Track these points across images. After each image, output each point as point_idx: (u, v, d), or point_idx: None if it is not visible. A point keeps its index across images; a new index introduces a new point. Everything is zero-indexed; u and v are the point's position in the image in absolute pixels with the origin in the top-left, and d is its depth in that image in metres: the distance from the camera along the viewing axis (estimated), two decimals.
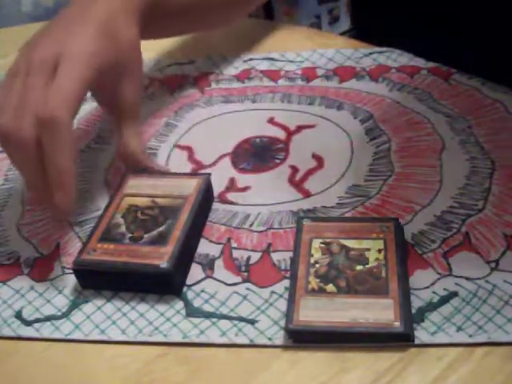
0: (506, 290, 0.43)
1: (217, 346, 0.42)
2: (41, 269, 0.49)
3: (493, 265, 0.44)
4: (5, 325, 0.46)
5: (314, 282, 0.43)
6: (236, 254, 0.48)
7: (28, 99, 0.47)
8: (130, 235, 0.48)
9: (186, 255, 0.47)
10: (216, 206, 0.53)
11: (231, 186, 0.54)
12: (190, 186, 0.51)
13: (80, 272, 0.47)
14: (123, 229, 0.48)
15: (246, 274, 0.47)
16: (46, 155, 0.46)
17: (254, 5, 0.69)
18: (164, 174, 0.55)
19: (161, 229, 0.48)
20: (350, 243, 0.46)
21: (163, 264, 0.45)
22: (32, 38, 0.52)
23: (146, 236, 0.47)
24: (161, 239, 0.47)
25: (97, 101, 0.57)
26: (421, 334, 0.41)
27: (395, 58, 0.66)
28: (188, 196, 0.50)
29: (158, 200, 0.50)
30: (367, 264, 0.44)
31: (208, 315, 0.44)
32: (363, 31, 0.80)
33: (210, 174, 0.53)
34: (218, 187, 0.54)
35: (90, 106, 0.66)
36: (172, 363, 0.42)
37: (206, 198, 0.51)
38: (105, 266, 0.46)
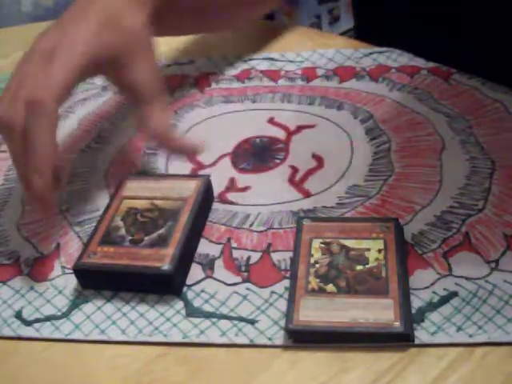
0: (506, 290, 0.43)
1: (217, 346, 0.42)
2: (41, 269, 0.49)
3: (493, 265, 0.44)
4: (5, 325, 0.46)
5: (313, 282, 0.43)
6: (236, 254, 0.48)
7: (22, 85, 0.48)
8: (130, 238, 0.48)
9: (186, 256, 0.47)
10: (216, 205, 0.53)
11: (231, 186, 0.54)
12: (190, 188, 0.51)
13: (81, 273, 0.47)
14: (123, 232, 0.48)
15: (245, 274, 0.47)
16: (26, 138, 0.47)
17: (265, 9, 0.69)
18: (163, 176, 0.55)
19: (161, 231, 0.48)
20: (350, 243, 0.46)
21: (165, 266, 0.45)
22: (44, 29, 0.53)
23: (146, 238, 0.47)
24: (161, 241, 0.47)
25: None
26: (421, 334, 0.41)
27: (395, 58, 0.66)
28: (187, 198, 0.50)
29: (158, 202, 0.50)
30: (367, 264, 0.44)
31: (208, 315, 0.44)
32: (364, 31, 0.80)
33: (209, 176, 0.52)
34: (217, 187, 0.54)
35: (90, 106, 0.66)
36: (172, 363, 0.42)
37: (205, 200, 0.51)
38: (105, 268, 0.46)
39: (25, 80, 0.49)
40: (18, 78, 0.49)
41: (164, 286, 0.46)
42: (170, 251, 0.46)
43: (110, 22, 0.51)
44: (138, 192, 0.51)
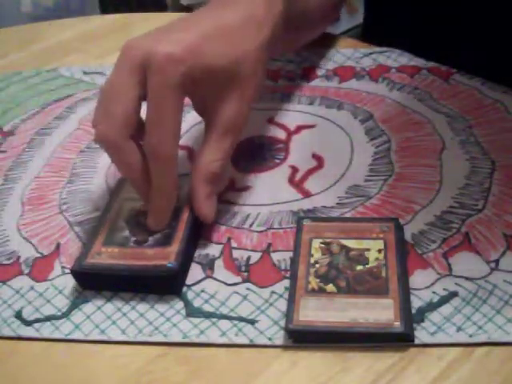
0: (506, 290, 0.43)
1: (217, 346, 0.42)
2: (41, 269, 0.49)
3: (493, 265, 0.44)
4: (5, 325, 0.46)
5: (314, 282, 0.43)
6: (236, 254, 0.48)
7: (114, 101, 0.46)
8: (134, 239, 0.48)
9: (187, 255, 0.47)
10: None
11: (231, 186, 0.54)
12: (189, 187, 0.50)
13: (84, 275, 0.47)
14: (126, 233, 0.48)
15: (245, 273, 0.47)
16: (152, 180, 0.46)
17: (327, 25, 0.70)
18: None
19: (164, 231, 0.48)
20: (350, 243, 0.46)
21: (170, 263, 0.45)
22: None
23: (150, 239, 0.47)
24: (165, 240, 0.47)
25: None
26: (421, 334, 0.41)
27: (395, 58, 0.66)
28: (187, 197, 0.50)
29: None
30: (367, 264, 0.44)
31: (208, 315, 0.44)
32: (369, 30, 0.80)
33: None
34: None
35: (90, 106, 0.66)
36: (172, 363, 0.42)
37: None
38: (112, 268, 0.46)
39: (115, 97, 0.46)
40: (107, 91, 0.46)
41: (169, 283, 0.46)
42: (174, 249, 0.46)
43: (221, 34, 0.47)
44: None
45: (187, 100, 0.50)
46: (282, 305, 0.44)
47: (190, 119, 0.62)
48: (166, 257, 0.46)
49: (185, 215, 0.49)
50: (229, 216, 0.51)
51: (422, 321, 0.41)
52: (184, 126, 0.62)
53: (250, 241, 0.49)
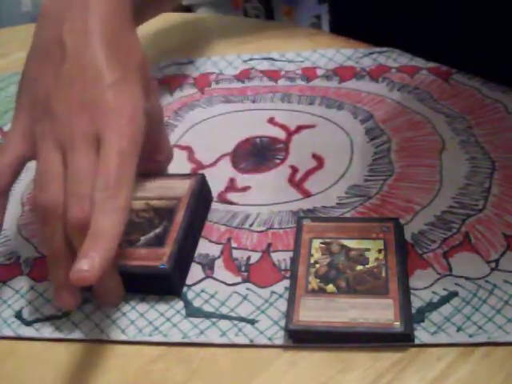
0: (506, 290, 0.43)
1: (217, 346, 0.42)
2: (41, 269, 0.49)
3: (493, 265, 0.44)
4: (5, 325, 0.46)
5: (314, 282, 0.43)
6: (236, 253, 0.48)
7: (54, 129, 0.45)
8: (127, 238, 0.47)
9: (184, 255, 0.47)
10: (216, 206, 0.53)
11: (231, 186, 0.54)
12: (184, 187, 0.50)
13: None
14: None
15: (246, 273, 0.47)
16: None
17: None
18: (157, 176, 0.55)
19: (157, 231, 0.48)
20: (350, 243, 0.46)
21: (162, 265, 0.45)
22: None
23: (142, 238, 0.47)
24: (158, 241, 0.47)
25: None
26: (421, 334, 0.41)
27: (395, 58, 0.66)
28: (182, 197, 0.50)
29: (152, 202, 0.50)
30: (367, 264, 0.44)
31: (208, 315, 0.44)
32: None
33: (203, 175, 0.52)
34: (217, 187, 0.54)
35: None
36: (172, 363, 0.42)
37: (201, 198, 0.51)
38: None
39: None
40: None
41: (163, 285, 0.46)
42: (167, 250, 0.46)
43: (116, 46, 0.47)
44: (133, 192, 0.51)
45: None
46: (282, 305, 0.44)
47: (190, 119, 0.62)
48: (159, 258, 0.45)
49: (179, 216, 0.48)
50: (229, 216, 0.51)
51: (422, 321, 0.41)
52: (184, 126, 0.62)
53: (250, 241, 0.49)
